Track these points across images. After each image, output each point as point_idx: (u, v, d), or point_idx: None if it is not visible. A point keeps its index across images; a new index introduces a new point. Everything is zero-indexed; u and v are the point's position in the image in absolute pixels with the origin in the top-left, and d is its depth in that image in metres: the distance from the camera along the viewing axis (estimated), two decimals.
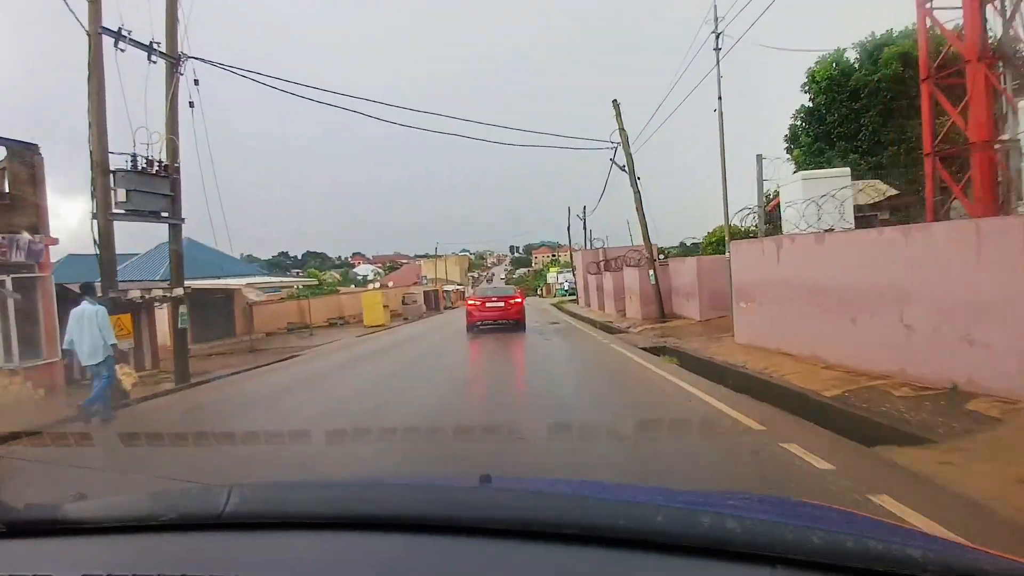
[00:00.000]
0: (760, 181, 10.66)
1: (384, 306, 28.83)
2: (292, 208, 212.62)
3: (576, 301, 35.41)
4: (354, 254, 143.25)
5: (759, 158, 10.55)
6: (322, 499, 1.13)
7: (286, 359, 15.04)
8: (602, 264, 26.39)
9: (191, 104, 10.90)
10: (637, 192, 15.99)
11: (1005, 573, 0.83)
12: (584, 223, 33.95)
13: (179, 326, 11.10)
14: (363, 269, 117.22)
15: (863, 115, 18.58)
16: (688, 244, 38.73)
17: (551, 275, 63.90)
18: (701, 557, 0.86)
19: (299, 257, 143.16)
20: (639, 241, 30.14)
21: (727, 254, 11.74)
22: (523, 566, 0.92)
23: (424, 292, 43.08)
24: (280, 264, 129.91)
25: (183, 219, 11.07)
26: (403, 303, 34.92)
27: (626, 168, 15.78)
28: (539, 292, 71.98)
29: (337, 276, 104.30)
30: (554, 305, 36.92)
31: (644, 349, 11.53)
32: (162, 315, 13.54)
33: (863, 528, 1.08)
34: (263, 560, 1.00)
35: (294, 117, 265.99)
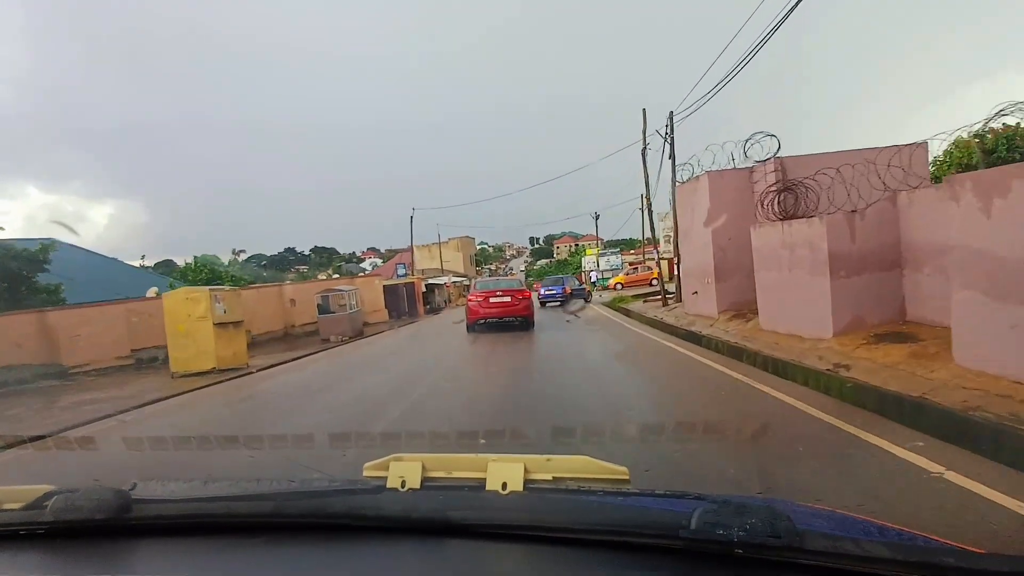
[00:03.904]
0: None
1: (228, 324, 12.15)
2: (303, 204, 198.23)
3: (662, 298, 17.53)
4: (368, 248, 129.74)
5: None
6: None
7: None
8: (788, 199, 9.01)
9: None
10: None
11: (970, 565, 0.84)
12: (671, 136, 16.46)
13: None
14: (370, 264, 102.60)
15: None
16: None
17: (587, 259, 46.23)
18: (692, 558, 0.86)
19: (305, 253, 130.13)
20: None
21: None
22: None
23: (386, 287, 26.01)
24: (284, 260, 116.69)
25: None
26: (320, 312, 18.15)
27: None
28: None
29: (329, 272, 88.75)
30: (616, 308, 19.41)
31: None
32: None
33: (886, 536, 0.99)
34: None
35: (304, 101, 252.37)
